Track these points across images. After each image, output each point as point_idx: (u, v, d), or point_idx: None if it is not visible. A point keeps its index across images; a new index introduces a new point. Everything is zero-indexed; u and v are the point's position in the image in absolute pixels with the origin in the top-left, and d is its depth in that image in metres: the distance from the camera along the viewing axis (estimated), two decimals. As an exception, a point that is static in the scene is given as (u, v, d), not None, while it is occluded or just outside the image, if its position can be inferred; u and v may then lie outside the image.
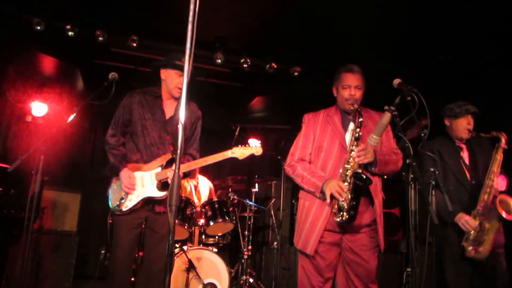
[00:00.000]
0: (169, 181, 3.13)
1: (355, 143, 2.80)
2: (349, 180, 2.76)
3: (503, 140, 3.29)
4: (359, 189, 2.72)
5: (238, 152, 3.28)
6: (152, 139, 3.25)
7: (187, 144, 3.35)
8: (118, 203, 3.18)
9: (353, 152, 2.79)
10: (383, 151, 2.95)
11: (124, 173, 3.19)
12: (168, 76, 3.24)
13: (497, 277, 3.25)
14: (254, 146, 3.32)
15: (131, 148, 3.29)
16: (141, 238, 3.40)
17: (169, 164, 3.21)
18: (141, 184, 3.20)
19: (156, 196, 3.19)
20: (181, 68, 3.12)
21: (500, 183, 3.26)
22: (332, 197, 2.77)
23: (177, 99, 3.29)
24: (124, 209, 3.16)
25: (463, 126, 3.41)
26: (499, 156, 3.28)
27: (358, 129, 2.81)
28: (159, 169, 3.21)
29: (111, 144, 3.27)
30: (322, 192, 2.81)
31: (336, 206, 2.78)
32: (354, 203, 2.71)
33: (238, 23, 4.99)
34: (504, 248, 3.30)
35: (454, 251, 3.27)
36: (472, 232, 3.18)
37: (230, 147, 3.33)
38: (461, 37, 4.60)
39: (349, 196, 2.72)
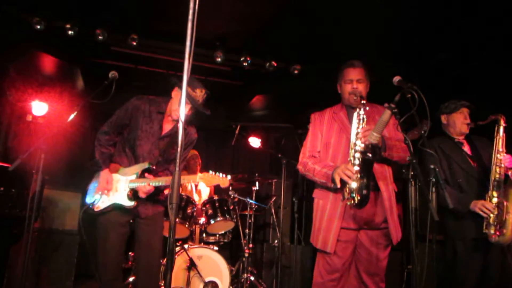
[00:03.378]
0: (140, 194, 3.08)
1: (361, 124, 2.80)
2: (357, 162, 2.73)
3: (502, 120, 3.32)
4: (368, 165, 2.69)
5: (206, 179, 3.10)
6: (142, 150, 3.20)
7: (171, 160, 3.27)
8: (93, 201, 3.15)
9: (359, 134, 2.77)
10: (391, 138, 2.94)
11: (104, 174, 3.16)
12: (176, 97, 3.18)
13: (504, 271, 3.26)
14: (222, 177, 3.14)
15: (120, 151, 3.27)
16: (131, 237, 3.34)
17: (143, 173, 3.14)
18: (115, 188, 3.17)
19: (124, 204, 3.13)
20: (188, 98, 3.04)
21: (507, 160, 3.27)
22: (343, 182, 2.74)
23: (176, 121, 3.22)
24: (96, 210, 3.15)
25: (460, 120, 3.49)
26: (501, 135, 3.31)
27: (362, 112, 2.81)
28: (134, 176, 3.15)
29: (101, 141, 3.25)
30: (333, 180, 2.79)
31: (347, 190, 2.74)
32: (365, 180, 2.68)
33: (238, 21, 4.98)
34: None
35: (467, 245, 3.28)
36: (491, 215, 3.18)
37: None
38: (462, 35, 4.60)
39: (358, 175, 2.70)
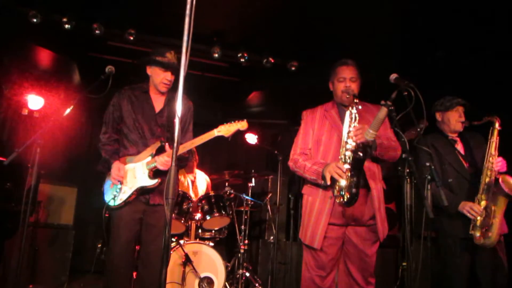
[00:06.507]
0: (159, 167, 3.15)
1: (353, 123, 2.81)
2: (348, 161, 2.75)
3: (497, 123, 3.30)
4: (359, 163, 2.70)
5: (224, 130, 3.25)
6: (144, 132, 3.27)
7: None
8: (112, 197, 3.18)
9: (351, 133, 2.79)
10: (381, 137, 2.95)
11: (115, 165, 3.20)
12: (153, 72, 3.29)
13: (496, 267, 3.27)
14: (239, 121, 3.28)
15: (125, 144, 3.30)
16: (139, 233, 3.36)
17: (158, 152, 3.21)
18: (133, 175, 3.20)
19: (147, 184, 3.18)
20: (163, 65, 3.21)
21: (499, 164, 3.27)
22: (333, 180, 2.75)
23: (164, 94, 3.35)
24: (118, 202, 3.16)
25: (455, 118, 3.48)
26: (494, 138, 3.29)
27: (354, 111, 2.82)
28: (149, 158, 3.21)
29: (102, 141, 3.32)
30: (323, 177, 2.81)
31: (337, 188, 2.77)
32: (355, 179, 2.69)
33: (235, 17, 4.97)
34: (504, 238, 3.30)
35: (457, 244, 3.29)
36: (478, 218, 3.18)
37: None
38: (459, 32, 4.61)
39: (349, 174, 2.71)
